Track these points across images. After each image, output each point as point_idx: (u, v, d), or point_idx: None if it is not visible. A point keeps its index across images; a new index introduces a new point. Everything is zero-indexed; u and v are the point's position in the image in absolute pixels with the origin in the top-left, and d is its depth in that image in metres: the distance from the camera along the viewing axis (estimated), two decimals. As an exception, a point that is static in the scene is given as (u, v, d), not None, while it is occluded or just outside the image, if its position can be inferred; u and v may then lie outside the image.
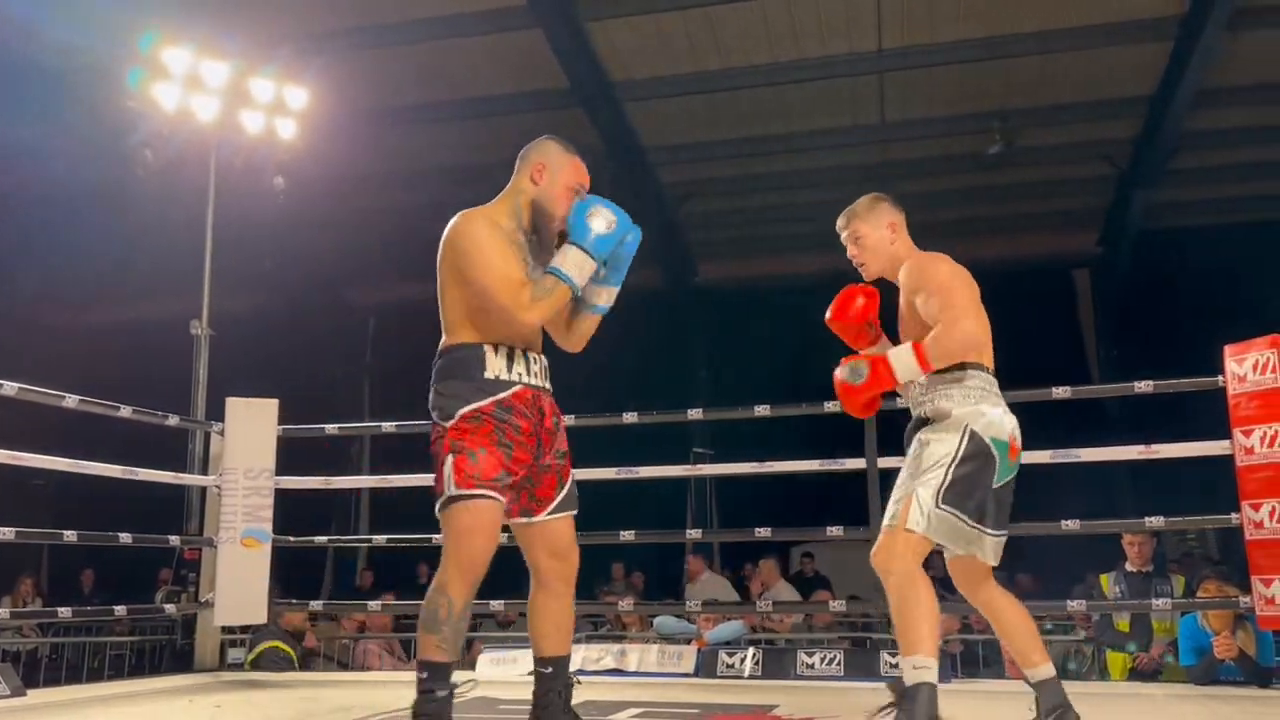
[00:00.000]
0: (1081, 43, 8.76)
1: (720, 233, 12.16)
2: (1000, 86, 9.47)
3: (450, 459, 2.40)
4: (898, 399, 3.16)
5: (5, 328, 10.74)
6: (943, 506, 2.54)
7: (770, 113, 9.84)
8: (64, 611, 5.05)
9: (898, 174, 10.76)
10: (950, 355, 2.61)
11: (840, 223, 3.04)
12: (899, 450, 4.68)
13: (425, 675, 2.37)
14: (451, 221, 2.64)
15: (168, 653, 7.08)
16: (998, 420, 2.62)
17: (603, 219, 2.53)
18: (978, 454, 2.57)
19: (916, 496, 2.56)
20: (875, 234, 2.93)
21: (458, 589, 2.40)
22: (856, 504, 4.65)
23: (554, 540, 2.62)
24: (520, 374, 2.51)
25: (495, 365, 2.49)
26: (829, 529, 4.73)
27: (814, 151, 10.34)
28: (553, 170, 2.69)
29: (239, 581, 4.83)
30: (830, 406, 4.70)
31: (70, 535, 4.55)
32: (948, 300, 2.63)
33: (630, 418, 4.93)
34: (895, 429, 4.71)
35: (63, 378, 4.65)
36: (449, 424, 2.44)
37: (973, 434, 2.58)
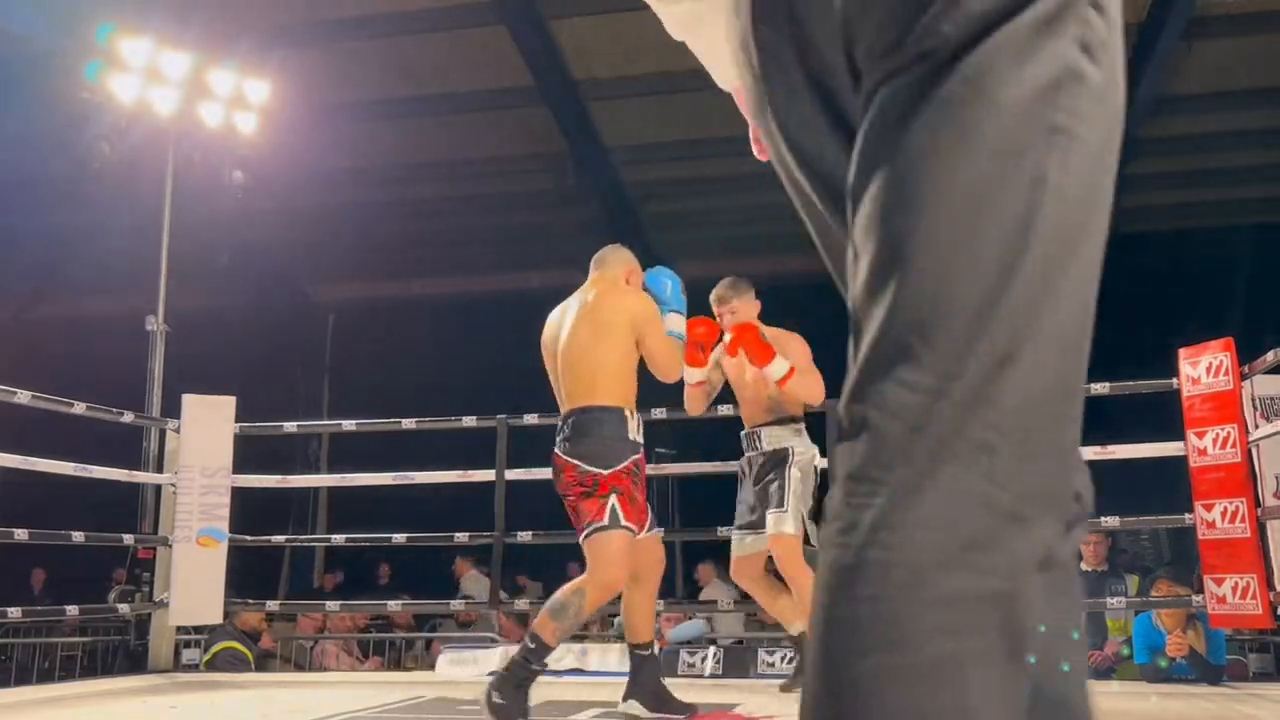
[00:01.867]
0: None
1: (682, 234, 12.16)
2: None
3: (613, 498, 3.02)
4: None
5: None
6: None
7: (734, 114, 9.81)
8: (13, 611, 4.94)
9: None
10: (810, 396, 3.72)
11: (721, 294, 3.96)
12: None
13: (534, 647, 2.92)
14: (617, 290, 3.27)
15: (121, 653, 6.96)
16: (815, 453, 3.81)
17: (673, 281, 3.39)
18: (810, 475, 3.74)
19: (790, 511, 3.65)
20: (746, 309, 3.93)
21: (594, 598, 3.01)
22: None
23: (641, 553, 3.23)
24: (639, 438, 3.21)
25: (634, 428, 3.15)
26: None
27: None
28: (638, 277, 3.44)
29: (195, 581, 4.77)
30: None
31: (21, 534, 4.46)
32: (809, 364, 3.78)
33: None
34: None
35: (12, 373, 4.55)
36: (608, 473, 3.06)
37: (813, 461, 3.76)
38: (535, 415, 5.01)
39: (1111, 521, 4.37)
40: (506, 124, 9.98)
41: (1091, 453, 4.40)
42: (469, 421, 5.17)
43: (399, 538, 5.23)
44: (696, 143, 10.26)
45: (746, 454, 3.86)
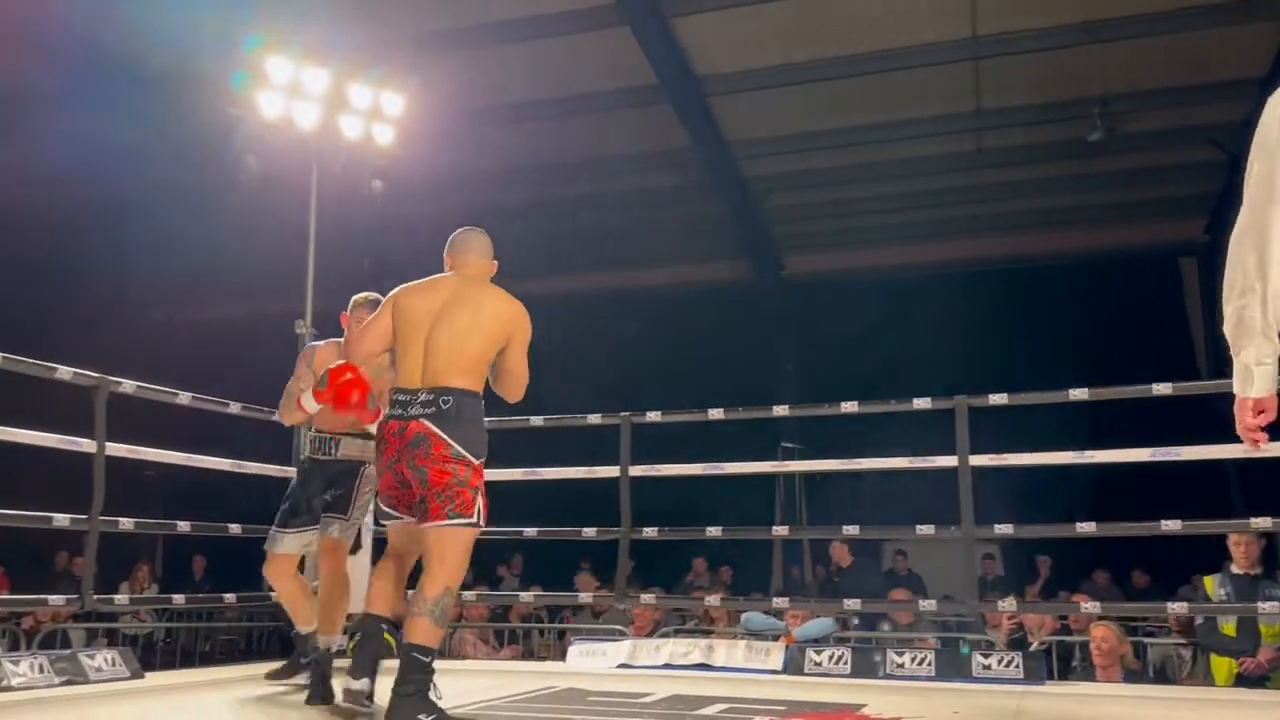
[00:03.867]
0: (1185, 24, 8.42)
1: (808, 225, 12.05)
2: (1100, 71, 9.18)
3: (480, 498, 2.99)
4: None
5: (116, 326, 11.29)
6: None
7: (859, 103, 9.72)
8: (178, 598, 5.31)
9: (993, 163, 10.54)
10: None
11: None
12: (989, 448, 4.62)
13: (428, 659, 2.86)
14: (516, 303, 3.21)
15: (275, 638, 7.36)
16: None
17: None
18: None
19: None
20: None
21: (457, 590, 3.07)
22: (946, 503, 4.60)
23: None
24: None
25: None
26: (919, 528, 4.68)
27: (904, 142, 10.18)
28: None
29: (340, 571, 4.99)
30: (920, 403, 4.67)
31: (184, 526, 4.78)
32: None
33: (716, 414, 4.95)
34: (987, 425, 4.66)
35: (172, 374, 4.89)
36: (478, 462, 3.00)
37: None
38: (658, 413, 5.08)
39: (1263, 522, 4.15)
40: (631, 123, 10.09)
41: (1240, 450, 4.19)
42: (594, 419, 5.27)
43: (530, 531, 5.39)
44: (822, 134, 10.17)
45: (316, 456, 3.87)
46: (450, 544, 2.93)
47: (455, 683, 4.22)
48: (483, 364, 3.09)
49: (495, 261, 3.34)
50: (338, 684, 3.22)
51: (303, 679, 3.74)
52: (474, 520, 2.95)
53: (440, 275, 3.28)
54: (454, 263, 3.28)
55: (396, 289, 3.28)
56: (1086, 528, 4.34)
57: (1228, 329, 2.06)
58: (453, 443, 2.94)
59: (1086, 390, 4.40)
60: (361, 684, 2.98)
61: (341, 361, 3.34)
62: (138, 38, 8.55)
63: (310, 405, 3.39)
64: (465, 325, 3.06)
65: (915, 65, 9.09)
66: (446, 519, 2.92)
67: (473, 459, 2.97)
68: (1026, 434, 4.70)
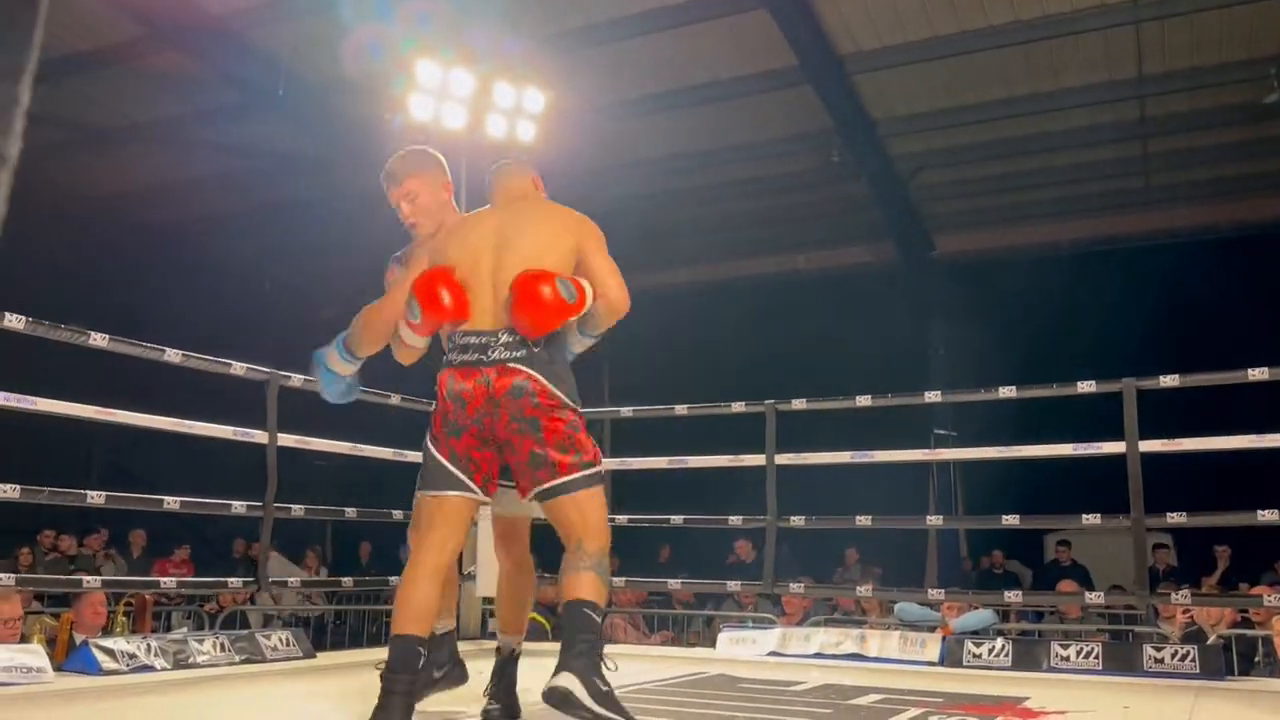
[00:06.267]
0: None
1: (958, 204, 11.66)
2: (1275, 28, 8.53)
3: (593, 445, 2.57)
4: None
5: (290, 324, 11.91)
6: None
7: (1012, 74, 9.33)
8: (346, 581, 5.58)
9: (1158, 131, 9.94)
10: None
11: (392, 170, 3.06)
12: (1161, 433, 4.38)
13: (600, 618, 2.43)
14: (546, 203, 2.81)
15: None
16: None
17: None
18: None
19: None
20: (430, 188, 3.03)
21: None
22: (1114, 490, 4.39)
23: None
24: None
25: None
26: (1084, 517, 4.48)
27: (1062, 112, 9.71)
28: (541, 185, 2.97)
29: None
30: (1084, 387, 4.46)
31: (351, 512, 5.03)
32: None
33: (864, 401, 4.86)
34: (1156, 410, 4.42)
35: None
36: (579, 416, 2.56)
37: None
38: (803, 400, 5.03)
39: None
40: (771, 106, 9.97)
41: None
42: (738, 407, 5.26)
43: (676, 519, 5.43)
44: (973, 108, 9.81)
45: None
46: (587, 501, 2.49)
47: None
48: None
49: (538, 175, 2.91)
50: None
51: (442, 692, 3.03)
52: (600, 469, 2.54)
53: (477, 210, 2.87)
54: (493, 196, 2.86)
55: (413, 244, 2.94)
56: (1269, 515, 4.07)
57: None
58: (556, 390, 2.49)
59: (1266, 370, 4.12)
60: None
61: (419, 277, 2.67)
62: (308, 50, 9.01)
63: (413, 338, 2.72)
64: (533, 246, 2.59)
65: (1066, 33, 8.65)
66: (579, 470, 2.48)
67: (578, 410, 2.55)
68: (1200, 417, 4.43)
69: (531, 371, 2.48)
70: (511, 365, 2.48)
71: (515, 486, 2.60)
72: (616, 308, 2.65)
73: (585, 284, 2.58)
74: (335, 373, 2.90)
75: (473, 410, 2.49)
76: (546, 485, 2.49)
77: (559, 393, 2.50)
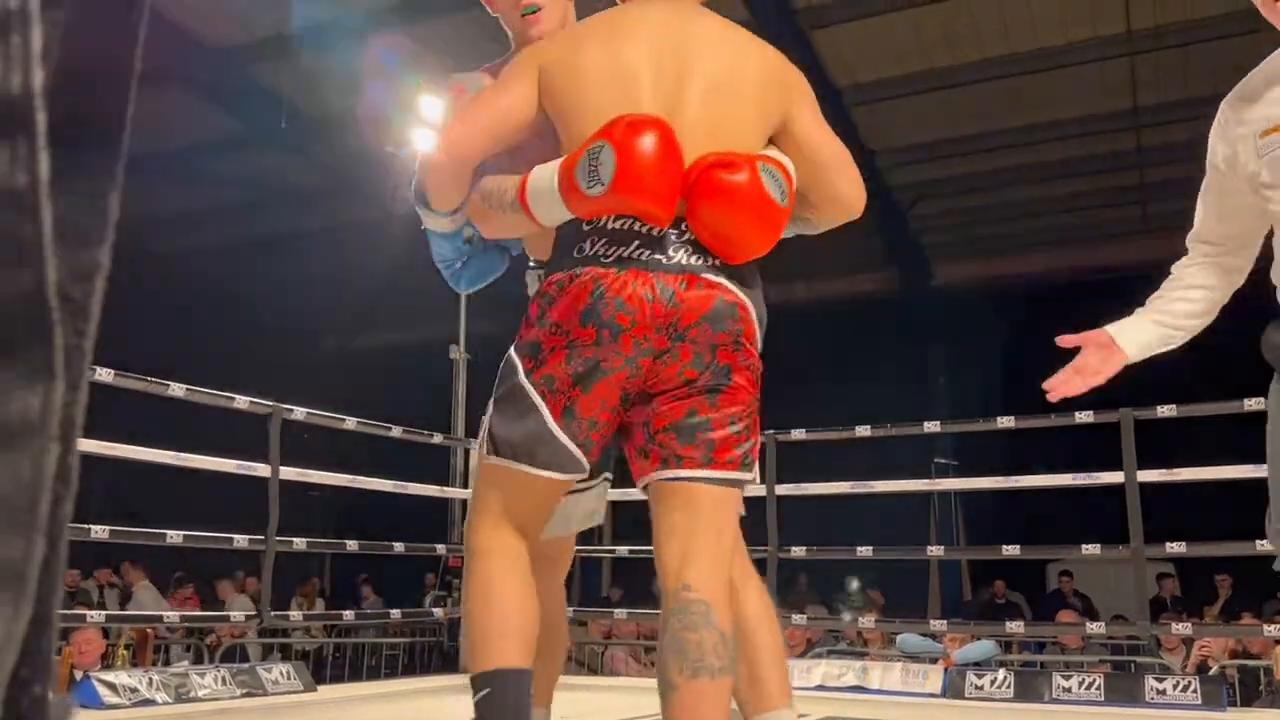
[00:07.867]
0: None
1: (958, 233, 11.74)
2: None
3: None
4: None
5: (292, 354, 11.96)
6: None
7: (1008, 106, 9.42)
8: (348, 614, 5.57)
9: (1155, 160, 10.02)
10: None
11: None
12: (1159, 463, 4.39)
13: None
14: (751, 38, 1.83)
15: (435, 653, 7.62)
16: None
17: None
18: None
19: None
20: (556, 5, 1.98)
21: None
22: (1118, 517, 4.39)
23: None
24: None
25: None
26: (1084, 547, 4.48)
27: (1058, 142, 9.80)
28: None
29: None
30: (1082, 417, 4.48)
31: (352, 545, 5.03)
32: None
33: (864, 431, 4.87)
34: (1154, 439, 4.43)
35: (336, 400, 5.16)
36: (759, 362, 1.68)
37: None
38: (802, 430, 5.04)
39: None
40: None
41: None
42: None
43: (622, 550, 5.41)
44: (970, 138, 9.90)
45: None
46: (730, 510, 1.62)
47: (611, 698, 4.28)
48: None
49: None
50: None
51: None
52: (756, 463, 1.66)
53: (622, 3, 1.80)
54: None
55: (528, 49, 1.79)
56: (1267, 544, 4.05)
57: None
58: (759, 327, 1.66)
59: (1261, 400, 4.13)
60: None
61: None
62: (310, 85, 9.11)
63: (554, 210, 1.63)
64: (733, 99, 1.66)
65: (1060, 65, 8.74)
66: (739, 468, 1.60)
67: (757, 353, 1.66)
68: (1198, 447, 4.44)
69: (737, 292, 1.60)
70: (708, 276, 1.58)
71: (595, 485, 1.82)
72: (852, 208, 1.80)
73: (790, 167, 1.67)
74: (435, 232, 1.99)
75: (639, 336, 1.53)
76: (705, 469, 1.56)
77: (759, 332, 1.65)
